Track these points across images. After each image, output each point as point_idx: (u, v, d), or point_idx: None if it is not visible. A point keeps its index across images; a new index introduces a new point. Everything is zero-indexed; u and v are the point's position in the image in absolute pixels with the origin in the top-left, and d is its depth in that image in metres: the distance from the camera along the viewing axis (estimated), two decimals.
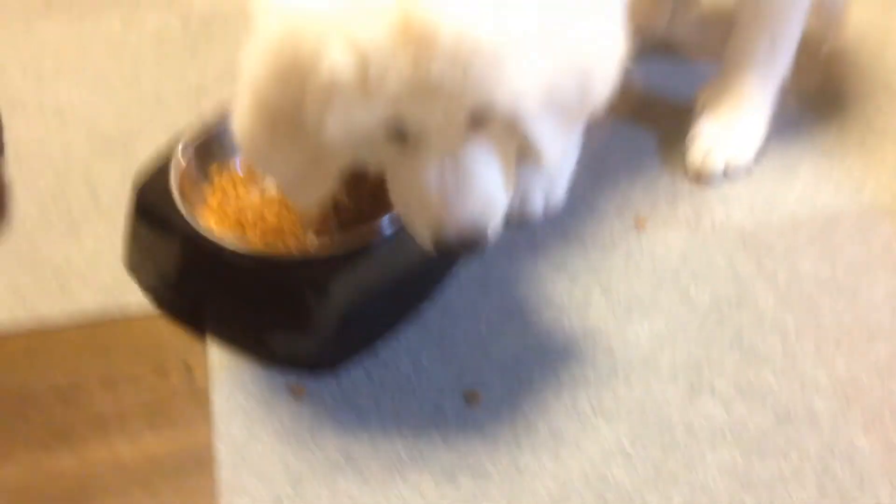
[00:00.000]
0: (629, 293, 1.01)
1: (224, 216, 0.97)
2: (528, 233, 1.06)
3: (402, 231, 0.91)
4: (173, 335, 0.95)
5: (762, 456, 0.86)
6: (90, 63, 1.29)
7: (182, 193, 0.95)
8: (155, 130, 1.16)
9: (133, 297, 0.98)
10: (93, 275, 1.00)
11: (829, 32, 1.29)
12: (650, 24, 1.32)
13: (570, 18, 0.75)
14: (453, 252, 0.80)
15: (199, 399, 0.89)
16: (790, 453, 0.86)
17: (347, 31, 0.68)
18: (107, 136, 1.17)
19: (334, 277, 0.89)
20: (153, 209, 0.97)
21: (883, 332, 0.97)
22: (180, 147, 0.98)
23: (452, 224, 0.76)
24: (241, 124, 0.81)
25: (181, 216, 0.93)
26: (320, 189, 0.84)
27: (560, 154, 0.81)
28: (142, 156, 1.11)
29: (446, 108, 0.71)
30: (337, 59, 0.68)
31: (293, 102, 0.73)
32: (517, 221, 1.07)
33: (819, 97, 1.27)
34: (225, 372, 0.91)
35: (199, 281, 0.95)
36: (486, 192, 0.77)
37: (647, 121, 1.23)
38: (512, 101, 0.72)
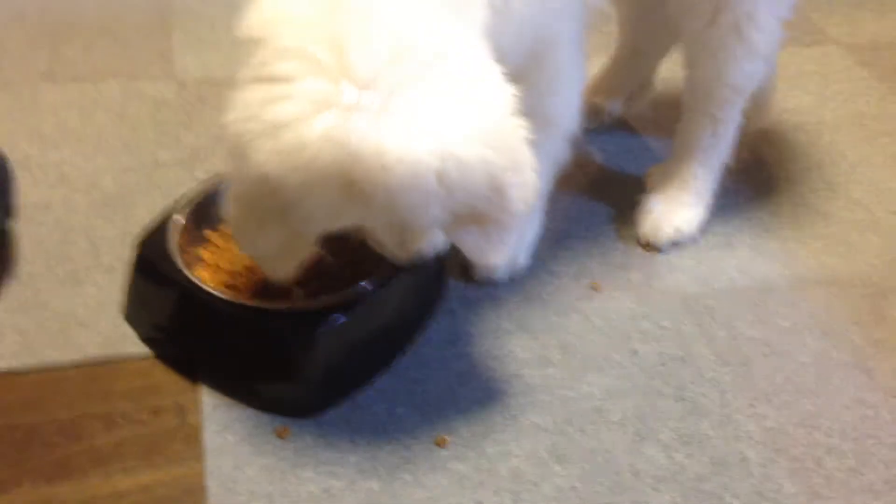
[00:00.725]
0: (584, 350, 1.11)
1: (217, 270, 1.07)
2: (493, 293, 1.17)
3: (380, 289, 1.02)
4: (168, 379, 1.04)
5: (699, 499, 0.96)
6: (91, 127, 1.39)
7: (180, 249, 1.05)
8: (152, 191, 1.27)
9: (131, 344, 1.07)
10: (94, 323, 1.09)
11: (758, 114, 1.42)
12: (608, 104, 1.45)
13: (483, 144, 0.81)
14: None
15: (192, 438, 0.98)
16: (724, 497, 0.96)
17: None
18: (107, 195, 1.26)
19: (318, 330, 0.98)
20: (152, 263, 1.06)
21: (808, 389, 1.08)
22: (179, 207, 1.08)
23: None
24: (232, 214, 0.89)
25: (177, 270, 1.03)
26: (298, 258, 0.93)
27: (495, 254, 0.89)
28: (140, 214, 1.22)
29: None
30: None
31: (278, 206, 0.82)
32: (484, 282, 1.19)
33: (757, 175, 1.40)
34: (215, 413, 1.00)
35: (192, 331, 1.04)
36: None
37: (604, 193, 1.36)
38: (432, 224, 0.84)
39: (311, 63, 0.78)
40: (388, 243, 0.93)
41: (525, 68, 1.00)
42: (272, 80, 0.79)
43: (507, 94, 0.83)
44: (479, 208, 0.84)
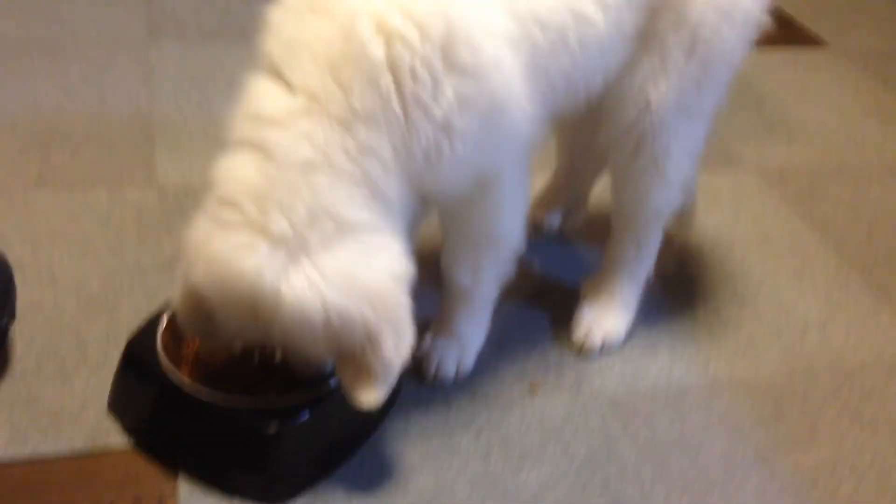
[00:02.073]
0: (522, 446, 1.25)
1: (197, 367, 1.19)
2: (444, 392, 1.31)
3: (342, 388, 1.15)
4: (148, 469, 1.15)
5: None
6: (80, 231, 1.51)
7: (164, 346, 1.18)
8: (136, 293, 1.39)
9: (115, 436, 1.18)
10: (81, 416, 1.20)
11: (681, 231, 1.61)
12: (547, 218, 1.62)
13: (367, 305, 1.00)
14: None
15: None
16: None
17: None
18: (93, 296, 1.39)
19: (288, 426, 1.11)
20: (138, 361, 1.18)
21: (717, 483, 1.24)
22: (166, 310, 1.21)
23: None
24: (178, 308, 1.08)
25: (160, 368, 1.15)
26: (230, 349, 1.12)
27: (368, 393, 1.05)
28: (124, 314, 1.35)
29: None
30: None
31: (205, 312, 1.03)
32: (433, 383, 1.32)
33: (677, 287, 1.58)
34: (191, 501, 1.11)
35: (172, 424, 1.16)
36: None
37: (544, 299, 1.51)
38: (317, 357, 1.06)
39: (243, 216, 0.99)
40: (290, 360, 1.12)
41: (472, 195, 1.17)
42: (214, 221, 1.01)
43: (401, 266, 1.03)
44: (356, 354, 1.02)
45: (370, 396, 1.04)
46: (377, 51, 0.99)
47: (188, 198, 1.61)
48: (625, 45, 1.20)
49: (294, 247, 0.98)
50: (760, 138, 2.06)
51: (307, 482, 1.14)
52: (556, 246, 1.63)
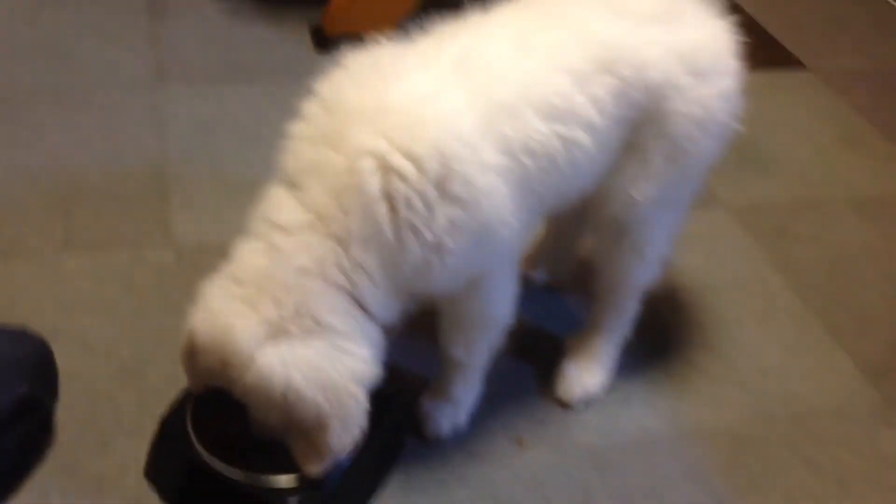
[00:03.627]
0: (510, 499, 1.42)
1: (223, 442, 1.34)
2: (440, 449, 1.47)
3: (353, 460, 1.31)
4: None
5: None
6: (106, 296, 1.65)
7: (194, 427, 1.33)
8: (162, 358, 1.54)
9: (153, 500, 1.34)
10: (121, 483, 1.36)
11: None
12: (535, 274, 1.77)
13: (322, 395, 1.16)
14: None
15: None
16: None
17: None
18: (124, 363, 1.53)
19: (306, 500, 1.27)
20: (172, 439, 1.34)
21: None
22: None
23: None
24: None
25: (191, 445, 1.31)
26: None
27: (313, 465, 1.23)
28: (153, 381, 1.50)
29: None
30: None
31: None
32: (429, 436, 1.48)
33: (653, 335, 1.73)
34: None
35: (204, 496, 1.32)
36: None
37: (530, 353, 1.66)
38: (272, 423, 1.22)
39: (244, 293, 1.17)
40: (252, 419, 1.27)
41: (463, 292, 1.31)
42: (221, 288, 1.19)
43: (363, 370, 1.20)
44: (305, 431, 1.20)
45: (313, 468, 1.24)
46: (374, 185, 1.14)
47: (203, 256, 1.71)
48: (612, 154, 1.34)
49: (276, 331, 1.15)
50: (734, 174, 2.20)
51: None
52: (545, 299, 1.78)
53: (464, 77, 1.20)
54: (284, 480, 1.28)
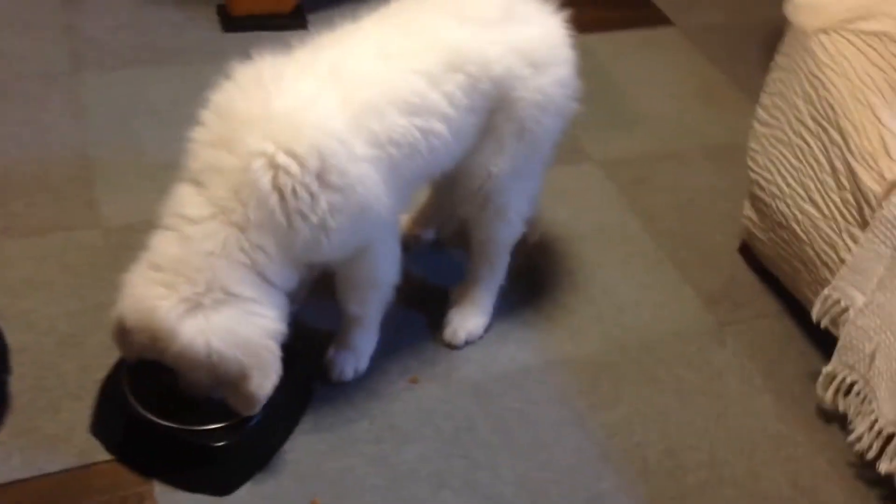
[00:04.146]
0: (405, 429, 1.70)
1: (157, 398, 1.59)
2: (344, 390, 1.74)
3: (267, 407, 1.57)
4: (128, 476, 1.56)
5: None
6: (45, 277, 1.86)
7: (130, 388, 1.57)
8: (98, 330, 1.75)
9: (99, 453, 1.58)
10: (72, 439, 1.59)
11: (529, 234, 2.03)
12: (423, 234, 2.03)
13: (241, 351, 1.43)
14: None
15: None
16: None
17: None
18: (64, 336, 1.76)
19: (230, 440, 1.53)
20: (111, 400, 1.58)
21: (548, 444, 1.70)
22: None
23: None
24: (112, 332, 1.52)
25: (129, 402, 1.55)
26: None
27: (244, 410, 1.52)
28: (92, 350, 1.72)
29: None
30: None
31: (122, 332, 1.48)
32: (335, 380, 1.75)
33: (527, 279, 2.01)
34: (164, 497, 1.54)
35: (143, 445, 1.57)
36: None
37: (422, 304, 1.93)
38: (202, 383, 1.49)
39: (162, 277, 1.41)
40: (182, 383, 1.53)
41: (352, 258, 1.57)
42: (142, 276, 1.44)
43: (272, 326, 1.46)
44: (232, 384, 1.47)
45: (246, 411, 1.52)
46: (266, 181, 1.39)
47: (130, 235, 1.91)
48: (469, 139, 1.60)
49: (193, 306, 1.41)
50: (605, 129, 2.48)
51: (246, 476, 1.58)
52: (433, 256, 2.04)
53: (336, 83, 1.44)
54: (210, 427, 1.55)
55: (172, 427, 1.54)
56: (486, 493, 1.61)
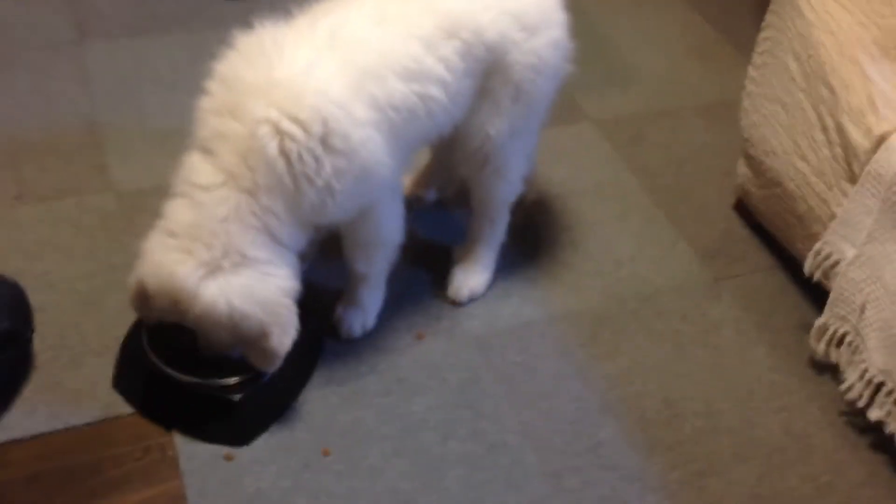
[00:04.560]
0: (412, 382, 1.77)
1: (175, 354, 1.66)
2: (353, 346, 1.81)
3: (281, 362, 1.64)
4: (150, 427, 1.63)
5: (483, 471, 1.64)
6: (60, 239, 1.92)
7: (151, 344, 1.64)
8: (113, 290, 1.81)
9: (122, 406, 1.66)
10: (95, 393, 1.67)
11: (527, 191, 2.08)
12: (426, 194, 2.08)
13: (260, 309, 1.49)
14: None
15: (172, 465, 1.59)
16: (495, 470, 1.65)
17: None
18: (83, 296, 1.82)
19: (246, 394, 1.60)
20: (132, 354, 1.65)
21: (548, 394, 1.78)
22: None
23: None
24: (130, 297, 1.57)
25: (150, 359, 1.62)
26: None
27: (265, 367, 1.58)
28: (109, 309, 1.79)
29: None
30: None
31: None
32: (344, 337, 1.82)
33: (525, 239, 2.07)
34: (185, 447, 1.61)
35: (164, 399, 1.64)
36: None
37: (426, 261, 1.99)
38: (224, 342, 1.55)
39: (179, 244, 1.47)
40: (203, 342, 1.59)
41: (357, 218, 1.63)
42: (159, 243, 1.50)
43: (288, 285, 1.53)
44: (252, 342, 1.53)
45: (267, 367, 1.59)
46: (273, 147, 1.44)
47: (140, 198, 2.01)
48: (466, 102, 1.65)
49: (212, 269, 1.47)
50: (600, 88, 2.52)
51: (262, 427, 1.65)
52: (436, 215, 2.10)
53: (335, 49, 1.49)
54: (228, 382, 1.62)
55: (192, 381, 1.61)
56: (490, 442, 1.69)
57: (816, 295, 1.91)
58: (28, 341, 1.68)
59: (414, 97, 1.53)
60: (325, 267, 1.89)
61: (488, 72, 1.63)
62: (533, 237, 2.09)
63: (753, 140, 1.99)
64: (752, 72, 1.97)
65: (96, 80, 2.32)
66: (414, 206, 2.08)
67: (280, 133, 1.44)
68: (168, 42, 2.47)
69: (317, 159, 1.47)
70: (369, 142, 1.51)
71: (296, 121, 1.44)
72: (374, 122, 1.51)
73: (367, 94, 1.50)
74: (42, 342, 1.74)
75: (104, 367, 1.70)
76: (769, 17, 1.90)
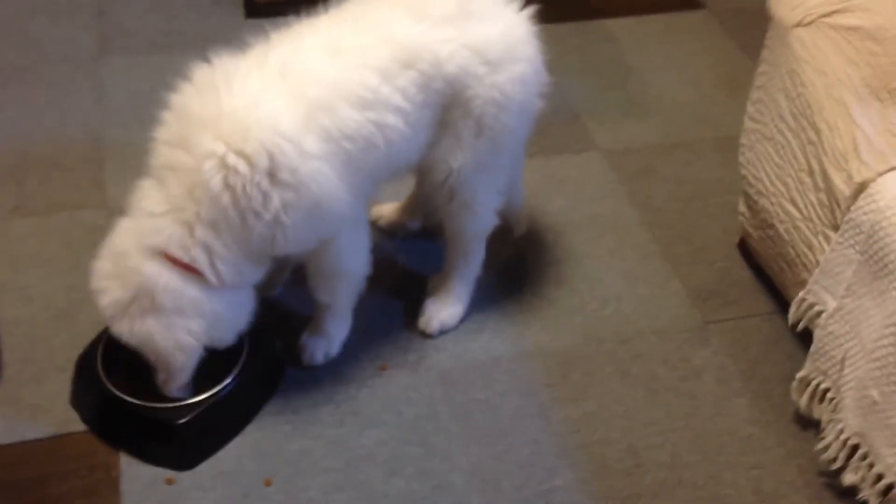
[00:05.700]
0: (367, 414, 1.74)
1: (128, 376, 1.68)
2: (313, 374, 1.79)
3: (232, 386, 1.64)
4: (99, 446, 1.66)
5: None
6: (47, 253, 1.98)
7: (103, 365, 1.66)
8: (90, 306, 1.81)
9: (76, 423, 1.69)
10: (52, 409, 1.70)
11: (516, 227, 2.03)
12: (409, 223, 2.05)
13: (159, 339, 1.53)
14: None
15: (113, 485, 1.61)
16: None
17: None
18: (58, 311, 1.87)
19: (190, 418, 1.61)
20: (86, 374, 1.68)
21: (507, 433, 1.71)
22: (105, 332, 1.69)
23: None
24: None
25: (100, 379, 1.64)
26: None
27: (167, 390, 1.62)
28: (82, 325, 1.82)
29: None
30: None
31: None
32: (305, 364, 1.80)
33: (510, 273, 2.02)
34: (129, 469, 1.63)
35: (112, 418, 1.66)
36: None
37: (402, 291, 1.96)
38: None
39: (107, 274, 1.53)
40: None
41: (318, 249, 1.61)
42: (99, 263, 1.55)
43: (185, 340, 1.53)
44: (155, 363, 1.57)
45: (169, 391, 1.63)
46: (217, 181, 1.44)
47: None
48: (427, 132, 1.61)
49: (123, 308, 1.52)
50: (615, 117, 2.44)
51: (207, 452, 1.65)
52: (418, 244, 2.06)
53: (285, 81, 1.48)
54: (170, 405, 1.63)
55: (135, 403, 1.63)
56: (436, 482, 1.64)
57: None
58: None
59: (370, 125, 1.51)
60: (296, 294, 1.88)
61: (448, 105, 1.59)
62: (518, 270, 2.04)
63: (749, 179, 1.88)
64: (749, 107, 1.86)
65: (110, 96, 2.39)
66: (398, 234, 2.06)
67: (225, 167, 1.44)
68: (184, 60, 2.47)
69: (263, 193, 1.46)
70: (319, 175, 1.49)
71: (241, 154, 1.44)
72: (325, 153, 1.49)
73: (317, 126, 1.49)
74: (10, 355, 1.79)
75: (65, 383, 1.73)
76: (764, 52, 1.80)
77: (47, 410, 1.71)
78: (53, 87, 2.40)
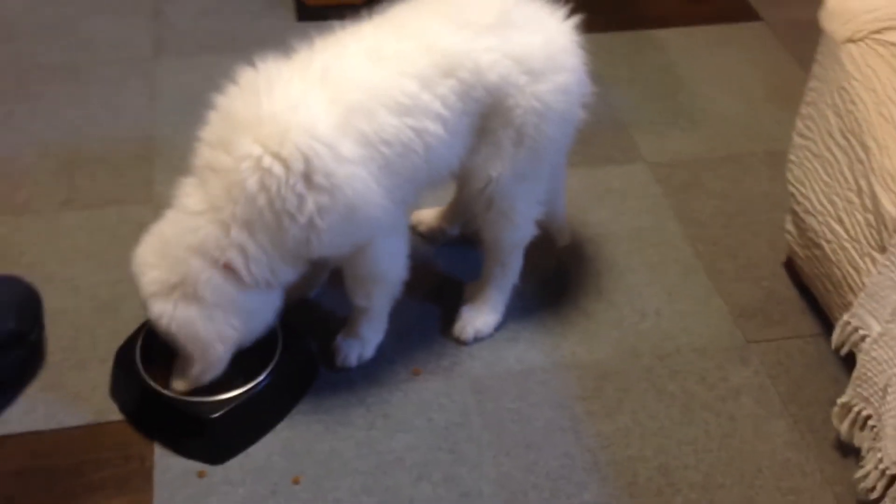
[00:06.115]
0: (398, 418, 1.74)
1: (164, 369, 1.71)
2: (347, 376, 1.80)
3: (263, 384, 1.66)
4: (134, 436, 1.69)
5: None
6: (95, 247, 2.02)
7: (142, 357, 1.70)
8: (133, 299, 1.85)
9: (113, 413, 1.72)
10: (92, 398, 1.74)
11: (558, 238, 2.02)
12: (448, 229, 2.05)
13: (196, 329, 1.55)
14: None
15: (147, 475, 1.63)
16: None
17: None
18: (103, 303, 1.91)
19: (223, 413, 1.63)
20: (124, 366, 1.71)
21: (535, 445, 1.70)
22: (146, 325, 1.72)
23: None
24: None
25: (138, 371, 1.68)
26: None
27: (187, 383, 1.63)
28: (124, 317, 1.86)
29: None
30: None
31: None
32: (339, 366, 1.81)
33: (549, 284, 2.00)
34: (162, 459, 1.65)
35: (148, 408, 1.69)
36: None
37: (438, 297, 1.96)
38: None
39: (154, 253, 1.56)
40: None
41: (354, 254, 1.63)
42: (145, 245, 1.59)
43: (227, 333, 1.57)
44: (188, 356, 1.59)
45: (178, 385, 1.65)
46: (253, 183, 1.46)
47: None
48: (466, 138, 1.61)
49: (166, 289, 1.53)
50: (663, 129, 2.41)
51: (238, 448, 1.67)
52: (458, 251, 2.06)
53: (325, 86, 1.49)
54: (205, 399, 1.65)
55: (170, 396, 1.65)
56: (464, 489, 1.64)
57: None
58: (34, 342, 1.78)
59: (409, 131, 1.51)
60: (333, 295, 1.89)
61: (488, 113, 1.59)
62: (556, 281, 2.02)
63: (797, 196, 1.84)
64: (798, 123, 1.82)
65: (163, 96, 2.44)
66: (437, 240, 2.06)
67: (261, 169, 1.46)
68: (235, 62, 2.52)
69: (298, 196, 1.47)
70: (355, 179, 1.50)
71: (277, 157, 1.45)
72: (362, 158, 1.50)
73: (355, 131, 1.50)
74: (55, 343, 1.83)
75: (106, 373, 1.77)
76: (814, 67, 1.76)
77: (87, 399, 1.74)
78: (108, 87, 2.46)
